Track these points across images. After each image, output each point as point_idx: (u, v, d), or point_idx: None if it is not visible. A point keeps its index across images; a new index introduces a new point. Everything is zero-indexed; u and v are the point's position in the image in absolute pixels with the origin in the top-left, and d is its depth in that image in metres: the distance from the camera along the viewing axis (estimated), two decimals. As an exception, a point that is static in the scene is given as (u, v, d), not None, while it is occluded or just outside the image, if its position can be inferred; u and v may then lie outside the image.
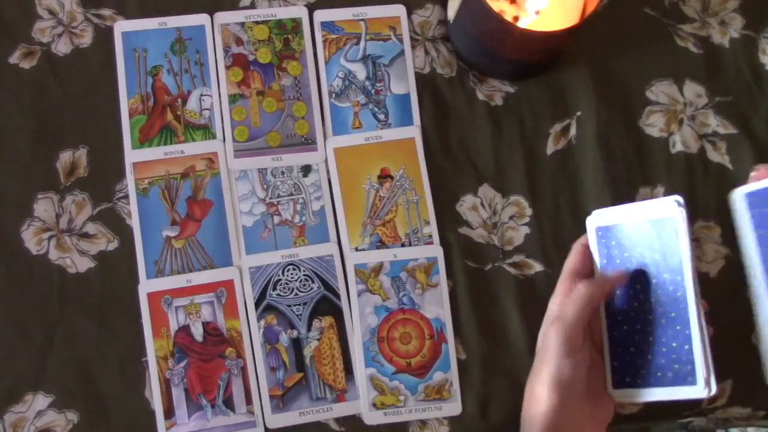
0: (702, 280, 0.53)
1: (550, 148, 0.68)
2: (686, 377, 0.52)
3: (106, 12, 0.68)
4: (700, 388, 0.51)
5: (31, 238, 0.63)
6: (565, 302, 0.54)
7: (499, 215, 0.67)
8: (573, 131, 0.68)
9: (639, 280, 0.55)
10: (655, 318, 0.54)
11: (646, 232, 0.55)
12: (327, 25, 0.69)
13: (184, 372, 0.62)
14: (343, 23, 0.69)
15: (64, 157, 0.65)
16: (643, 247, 0.55)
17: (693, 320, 0.52)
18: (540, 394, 0.53)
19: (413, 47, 0.69)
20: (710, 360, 0.51)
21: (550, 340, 0.53)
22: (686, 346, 0.52)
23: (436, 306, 0.65)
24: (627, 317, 0.55)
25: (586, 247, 0.58)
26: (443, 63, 0.69)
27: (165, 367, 0.62)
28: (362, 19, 0.69)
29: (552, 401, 0.52)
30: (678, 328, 0.52)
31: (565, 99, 0.69)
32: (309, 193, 0.66)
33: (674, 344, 0.53)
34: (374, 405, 0.63)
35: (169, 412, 0.61)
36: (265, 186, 0.66)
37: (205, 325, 0.63)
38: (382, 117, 0.68)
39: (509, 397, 0.63)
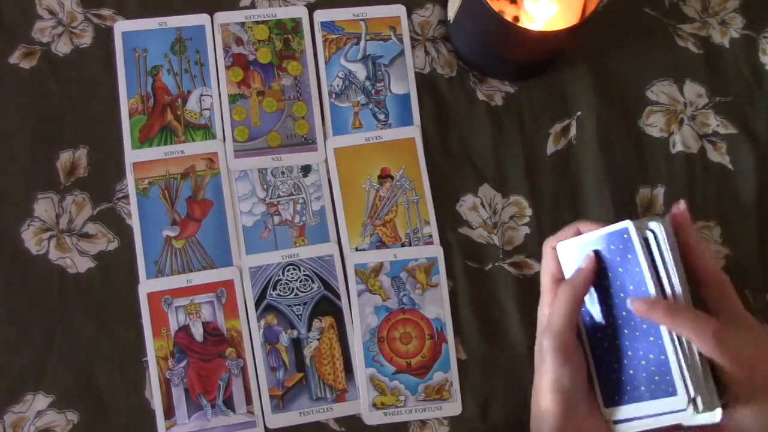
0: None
1: (550, 148, 0.68)
2: (667, 388, 0.50)
3: (106, 12, 0.68)
4: (682, 398, 0.50)
5: (31, 238, 0.63)
6: (551, 311, 0.54)
7: (499, 215, 0.67)
8: (573, 131, 0.68)
9: (609, 294, 0.54)
10: (630, 331, 0.53)
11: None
12: (327, 25, 0.69)
13: (184, 372, 0.62)
14: (343, 23, 0.69)
15: (64, 157, 0.65)
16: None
17: (664, 330, 0.51)
18: (546, 406, 0.53)
19: (413, 47, 0.69)
20: (700, 377, 0.50)
21: (544, 351, 0.53)
22: (662, 356, 0.51)
23: (436, 306, 0.65)
24: (605, 334, 0.55)
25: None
26: (443, 63, 0.69)
27: (165, 367, 0.62)
28: (362, 19, 0.69)
29: (557, 408, 0.52)
30: (651, 339, 0.52)
31: (565, 99, 0.69)
32: (309, 193, 0.66)
33: (651, 356, 0.52)
34: (374, 405, 0.63)
35: (169, 412, 0.61)
36: (265, 186, 0.66)
37: (205, 325, 0.63)
38: (382, 117, 0.68)
39: (509, 397, 0.63)
